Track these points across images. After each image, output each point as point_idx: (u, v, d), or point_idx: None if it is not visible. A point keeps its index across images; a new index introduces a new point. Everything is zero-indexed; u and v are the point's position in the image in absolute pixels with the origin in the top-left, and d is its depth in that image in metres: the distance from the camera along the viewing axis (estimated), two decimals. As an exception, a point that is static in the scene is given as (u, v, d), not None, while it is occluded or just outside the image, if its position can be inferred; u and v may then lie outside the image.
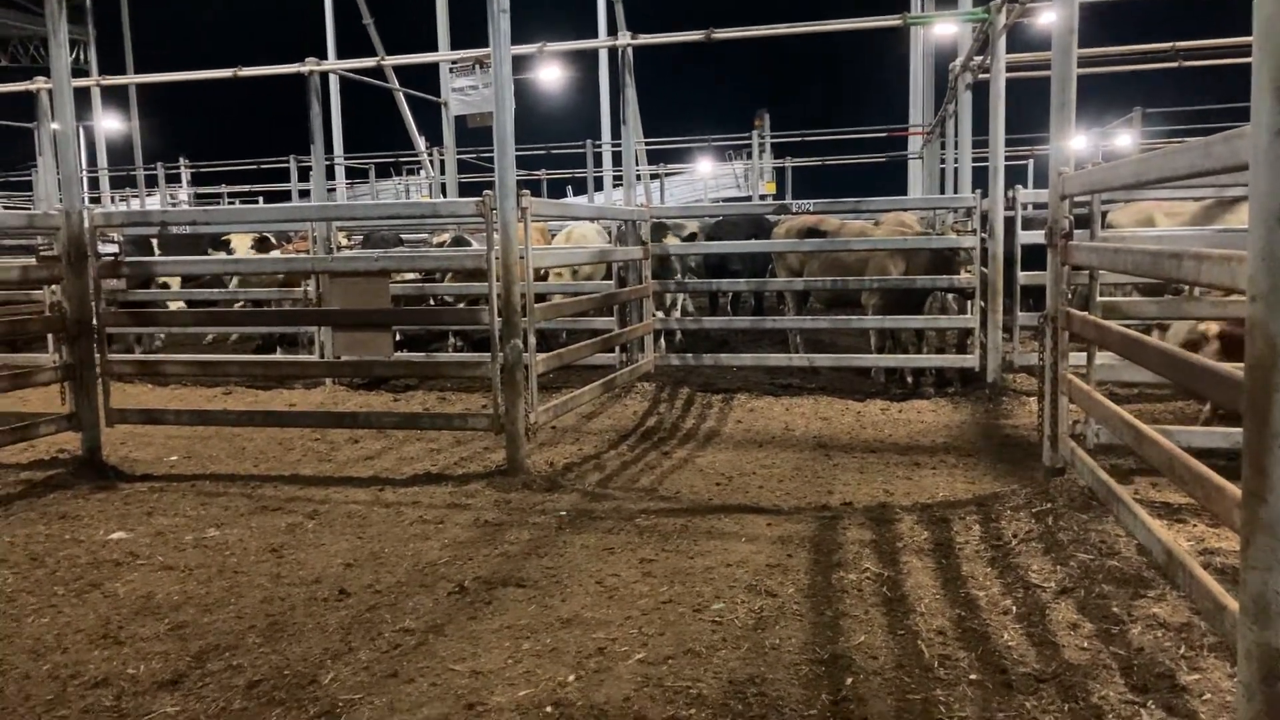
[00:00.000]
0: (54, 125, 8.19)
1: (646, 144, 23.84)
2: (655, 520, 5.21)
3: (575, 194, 24.74)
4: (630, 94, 10.32)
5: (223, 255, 11.98)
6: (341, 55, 19.47)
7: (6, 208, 22.20)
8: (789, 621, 3.85)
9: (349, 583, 4.36)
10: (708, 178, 29.11)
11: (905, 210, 11.58)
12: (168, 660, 3.60)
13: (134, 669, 3.53)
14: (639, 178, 15.77)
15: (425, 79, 20.66)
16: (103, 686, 3.40)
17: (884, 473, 6.16)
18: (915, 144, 22.42)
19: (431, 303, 10.29)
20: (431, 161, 22.13)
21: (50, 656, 3.66)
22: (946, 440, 7.13)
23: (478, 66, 13.36)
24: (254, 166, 24.63)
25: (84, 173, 20.88)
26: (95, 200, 21.91)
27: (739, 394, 9.05)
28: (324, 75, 11.60)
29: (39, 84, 12.61)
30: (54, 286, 7.45)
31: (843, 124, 22.82)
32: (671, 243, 11.29)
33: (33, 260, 6.96)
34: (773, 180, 24.06)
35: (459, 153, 19.33)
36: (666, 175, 25.33)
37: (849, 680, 3.33)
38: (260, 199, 25.01)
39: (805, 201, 9.77)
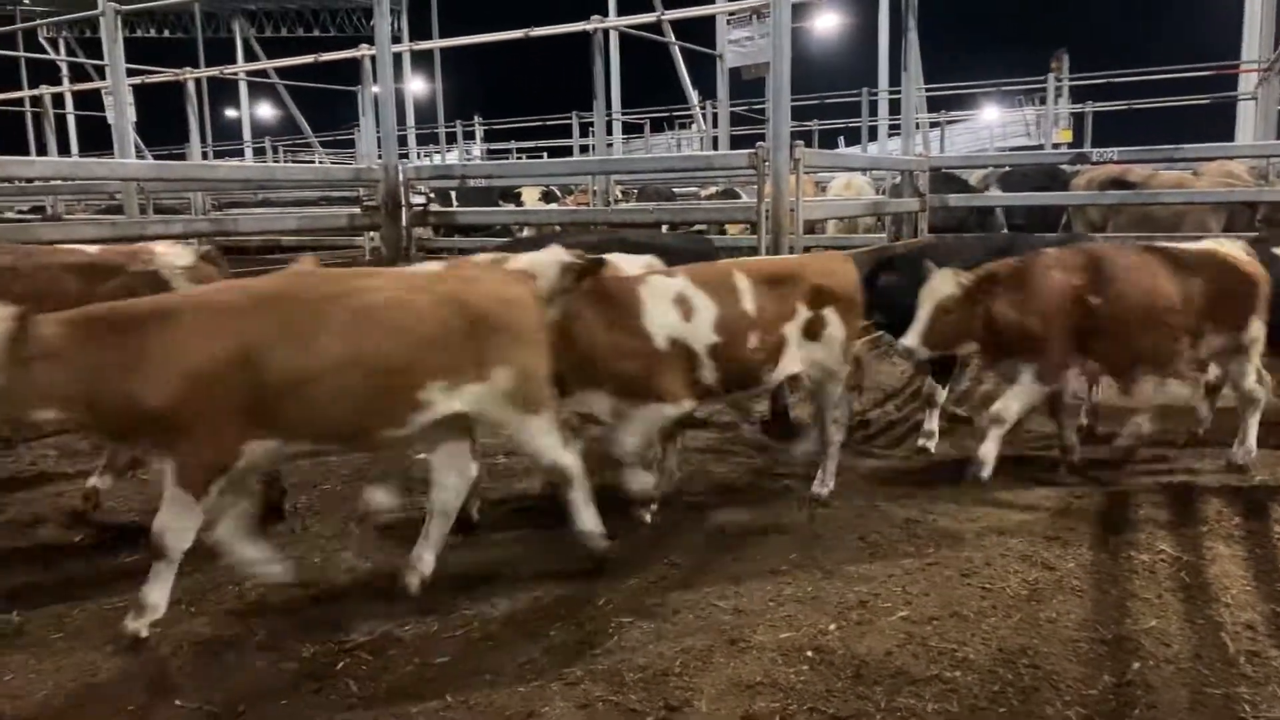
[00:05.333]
0: (374, 88, 9.14)
1: (926, 90, 22.58)
2: (921, 478, 5.07)
3: (847, 144, 24.00)
4: (912, 37, 9.82)
5: (512, 207, 12.89)
6: (621, 13, 20.03)
7: (334, 164, 25.14)
8: (1067, 596, 3.63)
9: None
10: (993, 125, 27.08)
11: (1232, 158, 10.21)
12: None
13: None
14: (917, 126, 15.01)
15: (699, 32, 20.79)
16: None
17: (1187, 450, 5.56)
18: (1248, 83, 19.57)
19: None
20: (704, 115, 22.32)
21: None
22: (1266, 417, 6.29)
23: (755, 17, 13.26)
24: (539, 123, 26.08)
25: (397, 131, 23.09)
26: (404, 156, 24.16)
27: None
28: (605, 32, 12.03)
29: (363, 51, 14.08)
30: (373, 233, 8.39)
31: (1157, 62, 20.22)
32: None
33: (357, 210, 7.85)
34: (1069, 128, 21.93)
35: (731, 105, 19.35)
36: (947, 123, 23.86)
37: (1135, 664, 3.10)
38: (545, 154, 26.51)
39: (1108, 150, 8.83)
